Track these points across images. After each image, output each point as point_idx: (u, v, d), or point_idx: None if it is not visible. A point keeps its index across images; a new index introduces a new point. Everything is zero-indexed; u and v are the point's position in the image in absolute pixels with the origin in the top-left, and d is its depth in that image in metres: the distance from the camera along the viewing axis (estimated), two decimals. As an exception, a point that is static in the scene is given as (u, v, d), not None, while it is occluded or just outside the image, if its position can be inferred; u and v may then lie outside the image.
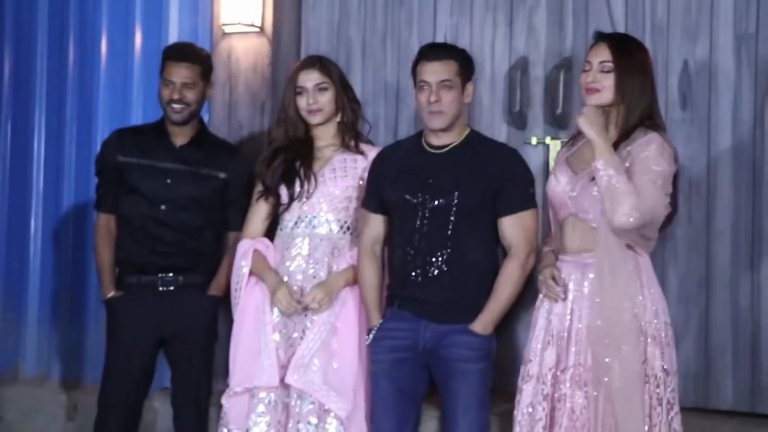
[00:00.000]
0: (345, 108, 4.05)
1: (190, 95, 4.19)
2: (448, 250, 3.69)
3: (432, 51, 3.78)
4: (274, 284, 3.91)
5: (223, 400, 4.00)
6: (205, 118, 4.49)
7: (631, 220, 3.34)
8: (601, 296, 3.42)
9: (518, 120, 4.61)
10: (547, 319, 3.56)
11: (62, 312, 5.08)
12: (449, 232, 3.70)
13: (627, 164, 3.43)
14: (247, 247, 4.02)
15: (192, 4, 4.90)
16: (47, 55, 5.11)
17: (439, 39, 4.65)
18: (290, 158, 4.03)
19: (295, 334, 3.91)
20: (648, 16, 4.44)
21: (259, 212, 4.09)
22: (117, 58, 5.00)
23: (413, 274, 3.73)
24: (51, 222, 5.11)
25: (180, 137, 4.26)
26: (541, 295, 3.62)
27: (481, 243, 3.73)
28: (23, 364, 5.17)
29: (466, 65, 3.79)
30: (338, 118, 4.06)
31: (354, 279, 3.91)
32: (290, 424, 3.87)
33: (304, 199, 3.99)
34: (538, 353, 3.53)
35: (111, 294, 4.24)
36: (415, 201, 3.74)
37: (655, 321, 3.43)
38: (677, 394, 3.46)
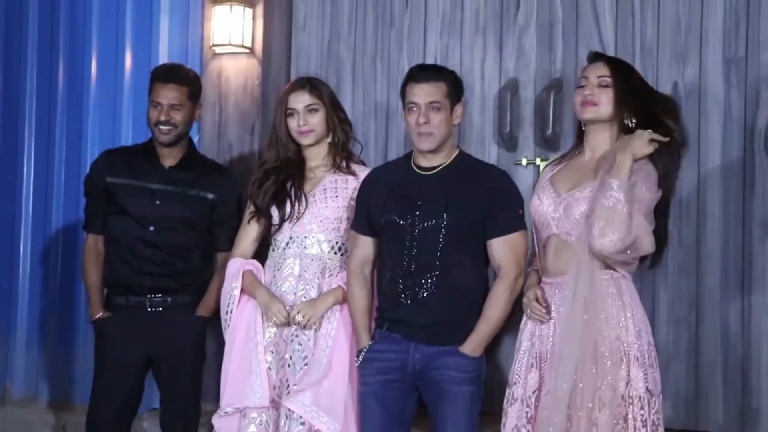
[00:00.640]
0: (336, 128, 4.05)
1: (178, 117, 4.19)
2: (437, 272, 3.68)
3: (421, 72, 3.78)
4: (267, 299, 3.90)
5: (214, 420, 3.98)
6: (195, 139, 4.49)
7: (617, 246, 3.33)
8: (582, 319, 3.41)
9: (508, 141, 4.62)
10: (530, 341, 3.55)
11: (51, 333, 5.07)
12: (438, 254, 3.69)
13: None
14: (237, 267, 4.01)
15: (182, 25, 4.92)
16: (36, 74, 5.13)
17: (429, 60, 4.67)
18: (281, 179, 4.03)
19: (287, 355, 3.89)
20: (638, 37, 4.46)
21: (249, 233, 4.08)
22: (107, 78, 5.01)
23: (402, 296, 3.72)
24: (39, 243, 5.10)
25: (169, 158, 4.25)
26: (525, 317, 3.61)
27: (471, 265, 3.72)
28: (11, 385, 5.16)
29: (455, 87, 3.78)
30: (329, 139, 4.05)
31: (343, 299, 3.90)
32: (281, 445, 3.85)
33: (295, 220, 3.98)
34: (522, 376, 3.52)
35: (99, 314, 4.23)
36: (403, 223, 3.73)
37: (638, 342, 3.41)
38: (662, 415, 3.44)
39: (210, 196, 4.23)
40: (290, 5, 4.99)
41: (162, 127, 4.18)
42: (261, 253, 4.10)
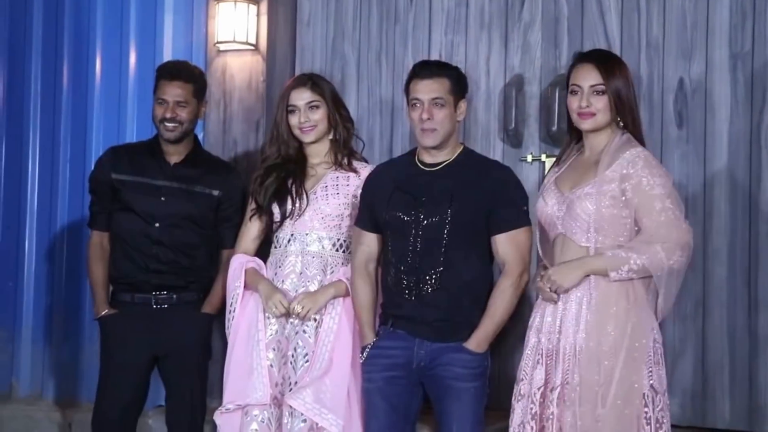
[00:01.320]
0: (337, 126, 4.04)
1: (183, 114, 4.19)
2: (442, 268, 3.68)
3: (424, 68, 3.77)
4: (268, 290, 3.90)
5: (216, 417, 3.98)
6: (200, 136, 4.48)
7: (682, 258, 3.37)
8: (587, 316, 3.40)
9: (513, 137, 4.61)
10: (537, 337, 3.54)
11: (56, 330, 5.07)
12: (443, 250, 3.68)
13: (621, 186, 3.40)
14: (240, 264, 4.01)
15: (186, 22, 4.92)
16: (41, 72, 5.12)
17: (434, 56, 4.67)
18: (283, 176, 4.03)
19: (289, 352, 3.89)
20: (643, 34, 4.44)
21: (251, 230, 4.09)
22: (111, 75, 5.01)
23: (407, 292, 3.72)
24: (45, 240, 5.11)
25: (174, 155, 4.25)
26: (533, 314, 3.60)
27: (475, 261, 3.72)
28: (17, 383, 5.16)
29: (458, 83, 3.77)
30: (331, 136, 4.05)
31: (344, 293, 3.90)
32: (283, 443, 3.85)
33: (296, 217, 3.98)
34: (529, 372, 3.52)
35: (104, 312, 4.23)
36: (408, 219, 3.72)
37: (644, 339, 3.40)
38: (667, 413, 3.43)
39: (215, 192, 4.23)
40: (294, 2, 4.99)
41: (167, 124, 4.19)
42: (264, 251, 4.10)
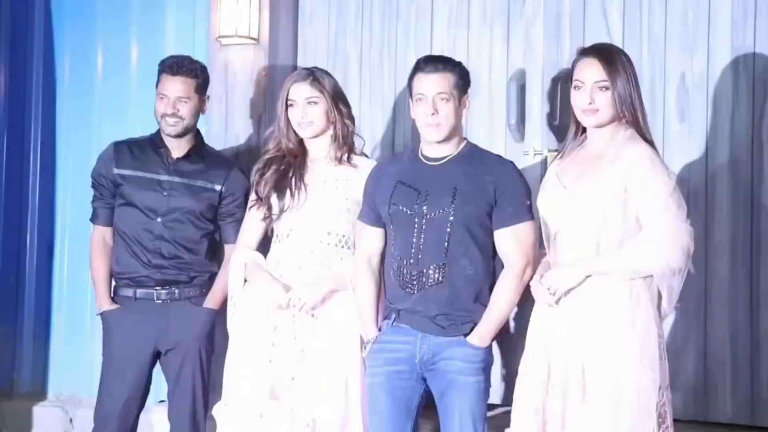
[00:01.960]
0: (336, 122, 4.03)
1: (185, 109, 4.19)
2: (445, 263, 3.68)
3: (429, 63, 3.77)
4: (267, 283, 3.91)
5: (215, 412, 3.99)
6: (203, 130, 4.49)
7: (683, 258, 3.38)
8: (590, 310, 3.40)
9: (516, 132, 4.60)
10: (539, 332, 3.54)
11: (58, 326, 5.08)
12: (446, 244, 3.68)
13: (623, 183, 3.41)
14: (240, 258, 4.01)
15: (189, 17, 4.92)
16: (43, 67, 5.12)
17: (436, 52, 4.66)
18: (283, 169, 4.03)
19: (288, 348, 3.90)
20: (645, 28, 4.44)
21: (252, 223, 4.09)
22: (113, 70, 5.01)
23: (410, 286, 3.72)
24: (46, 235, 5.10)
25: (176, 150, 4.25)
26: (534, 309, 3.60)
27: (478, 255, 3.71)
28: (19, 379, 5.17)
29: (462, 77, 3.77)
30: (331, 132, 4.04)
31: (343, 286, 3.90)
32: (283, 437, 3.86)
33: (295, 211, 3.98)
34: (531, 367, 3.52)
35: (106, 307, 4.23)
36: (411, 213, 3.72)
37: (647, 335, 3.40)
38: (669, 407, 3.43)
39: (217, 187, 4.23)
40: (296, -4, 5.00)
41: (169, 119, 4.19)
42: (266, 245, 4.10)
